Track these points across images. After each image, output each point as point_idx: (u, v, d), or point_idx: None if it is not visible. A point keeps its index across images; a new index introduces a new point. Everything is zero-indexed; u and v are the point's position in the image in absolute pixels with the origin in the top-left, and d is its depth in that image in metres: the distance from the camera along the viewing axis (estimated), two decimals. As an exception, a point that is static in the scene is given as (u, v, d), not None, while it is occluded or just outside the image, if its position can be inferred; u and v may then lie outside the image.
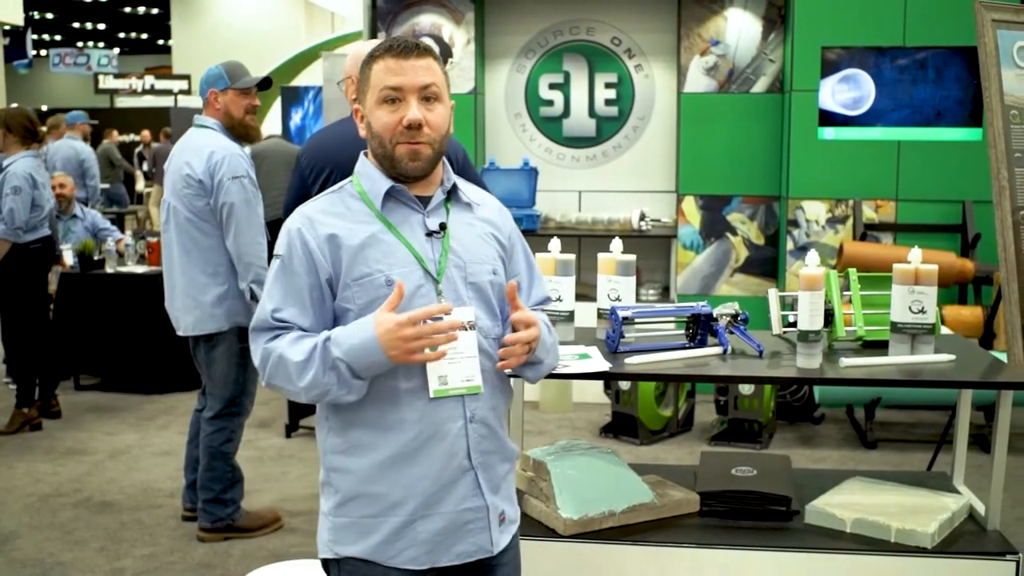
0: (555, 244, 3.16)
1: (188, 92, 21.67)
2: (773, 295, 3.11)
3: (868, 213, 6.51)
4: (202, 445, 4.40)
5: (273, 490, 5.13)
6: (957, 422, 3.24)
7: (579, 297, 3.21)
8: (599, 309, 3.11)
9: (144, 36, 32.87)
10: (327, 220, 2.10)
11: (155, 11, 27.74)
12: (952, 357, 2.91)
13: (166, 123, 17.34)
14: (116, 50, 27.61)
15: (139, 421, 6.42)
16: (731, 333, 3.05)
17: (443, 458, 2.08)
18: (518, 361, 2.11)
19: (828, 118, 6.48)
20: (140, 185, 17.37)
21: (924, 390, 5.65)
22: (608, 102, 7.24)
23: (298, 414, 6.05)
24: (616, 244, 3.16)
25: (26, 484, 5.23)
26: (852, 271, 3.12)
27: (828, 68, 6.44)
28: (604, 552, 2.84)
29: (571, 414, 6.48)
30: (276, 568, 3.23)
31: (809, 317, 2.80)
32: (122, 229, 10.27)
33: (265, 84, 4.41)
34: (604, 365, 2.78)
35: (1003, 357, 3.51)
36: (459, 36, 7.05)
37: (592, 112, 7.27)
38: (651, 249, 7.17)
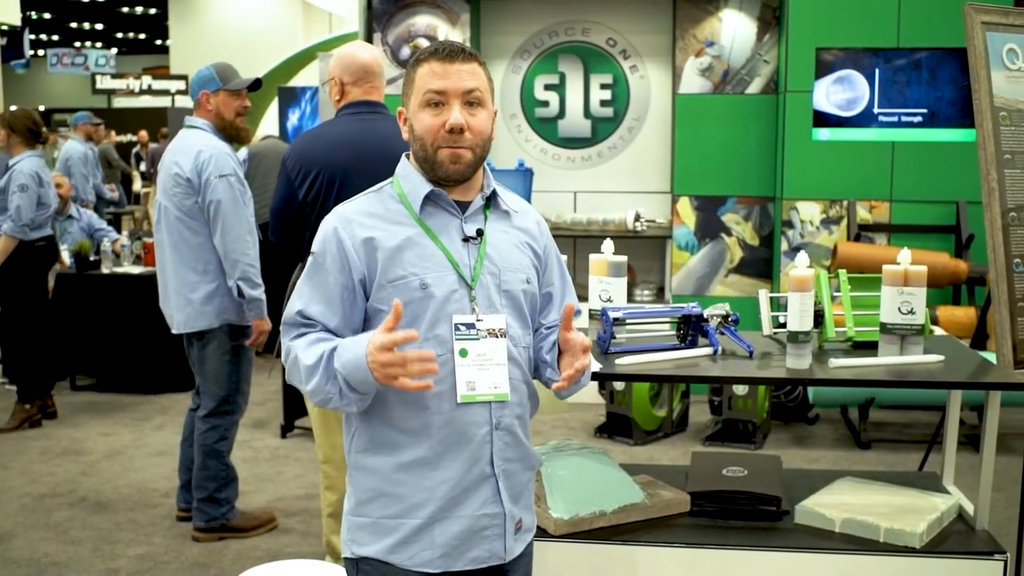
0: (608, 246, 3.17)
1: (186, 92, 21.65)
2: (763, 296, 3.12)
3: (862, 214, 6.52)
4: (196, 444, 4.41)
5: (268, 490, 5.14)
6: (947, 423, 3.25)
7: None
8: (591, 310, 3.13)
9: (142, 36, 32.87)
10: (364, 221, 2.11)
11: (153, 11, 27.73)
12: (941, 358, 2.93)
13: (163, 123, 17.33)
14: (114, 50, 27.62)
15: (135, 421, 6.43)
16: (721, 334, 3.06)
17: (466, 463, 2.09)
18: (571, 386, 2.12)
19: (822, 119, 6.50)
20: (137, 185, 17.37)
21: (918, 391, 5.67)
22: (603, 103, 7.25)
23: (293, 415, 6.06)
24: (607, 245, 3.18)
25: (21, 484, 5.24)
26: (842, 272, 3.13)
27: (822, 69, 6.46)
28: (594, 552, 2.86)
29: (566, 414, 6.49)
30: (270, 568, 3.23)
31: (799, 318, 2.81)
32: (119, 229, 10.28)
33: (255, 86, 4.43)
34: (595, 366, 2.79)
35: (994, 358, 3.53)
36: (454, 37, 7.06)
37: (587, 113, 7.29)
38: (646, 250, 7.19)
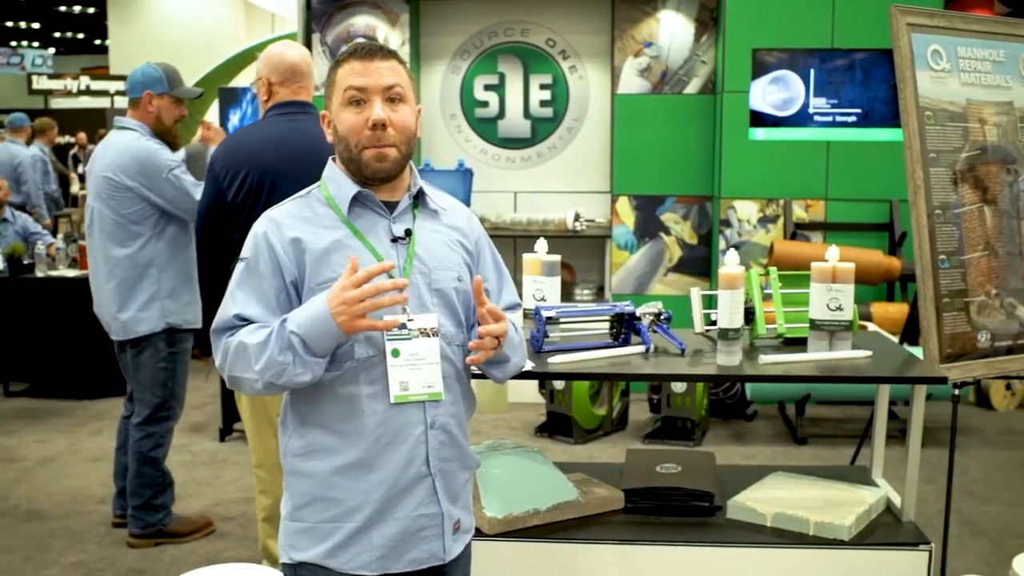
0: (542, 245, 3.18)
1: (125, 93, 21.33)
2: (695, 294, 3.15)
3: (798, 212, 6.60)
4: (131, 451, 4.36)
5: (206, 495, 5.09)
6: (875, 417, 3.30)
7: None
8: (524, 309, 3.13)
9: (80, 36, 32.35)
10: (293, 224, 2.10)
11: (91, 10, 27.29)
12: (869, 353, 2.97)
13: (102, 125, 17.07)
14: (51, 50, 27.14)
15: (69, 427, 6.34)
16: (654, 332, 3.08)
17: (402, 464, 2.09)
18: (487, 355, 2.11)
19: (759, 119, 6.57)
20: (75, 187, 17.10)
21: (852, 386, 5.75)
22: (543, 103, 7.27)
23: (232, 418, 6.01)
24: (541, 244, 3.19)
25: (-48, 492, 5.15)
26: (772, 270, 3.17)
27: (759, 70, 6.53)
28: (529, 550, 2.86)
29: (507, 414, 6.50)
30: (206, 572, 3.20)
31: (729, 315, 2.84)
32: (55, 232, 10.12)
33: (199, 98, 4.39)
34: (528, 364, 2.80)
35: (921, 353, 3.59)
36: (394, 37, 7.05)
37: (527, 113, 7.31)
38: (586, 249, 7.22)
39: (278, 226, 2.10)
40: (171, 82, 4.29)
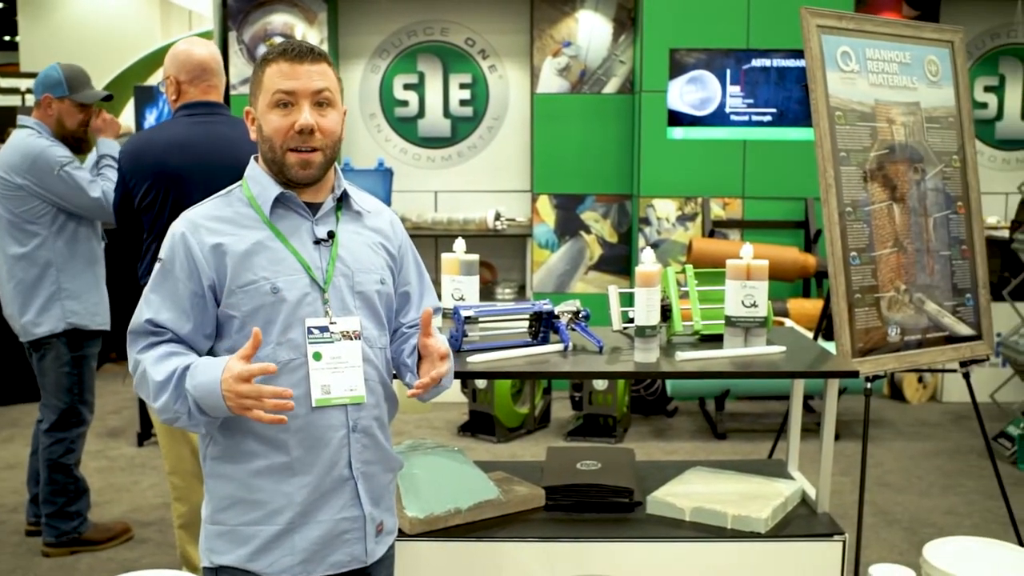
0: (460, 244, 3.18)
1: (34, 93, 20.84)
2: (613, 292, 3.18)
3: (716, 210, 6.70)
4: (41, 458, 4.26)
5: (124, 500, 5.00)
6: (790, 411, 3.36)
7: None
8: (443, 309, 3.13)
9: (-12, 33, 31.52)
10: (213, 226, 2.07)
11: (0, 5, 26.60)
12: (783, 348, 3.02)
13: (12, 124, 16.64)
14: (-42, 47, 26.41)
15: (-19, 434, 6.18)
16: (572, 330, 3.10)
17: (324, 467, 2.08)
18: (429, 392, 2.12)
19: (677, 118, 6.65)
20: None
21: (771, 381, 5.86)
22: (463, 102, 7.28)
23: (150, 422, 5.90)
24: (459, 244, 3.19)
25: None
26: (688, 268, 3.21)
27: (676, 69, 6.61)
28: (451, 549, 2.86)
29: (429, 414, 6.49)
30: (124, 580, 3.16)
31: (645, 313, 2.87)
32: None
33: (106, 100, 4.26)
34: (447, 366, 2.80)
35: (834, 348, 3.67)
36: (312, 36, 6.99)
37: (447, 112, 7.30)
38: (507, 248, 7.25)
39: (196, 228, 2.07)
40: (72, 85, 4.16)
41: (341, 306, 2.10)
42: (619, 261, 7.02)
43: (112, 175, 4.07)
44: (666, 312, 3.11)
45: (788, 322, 5.91)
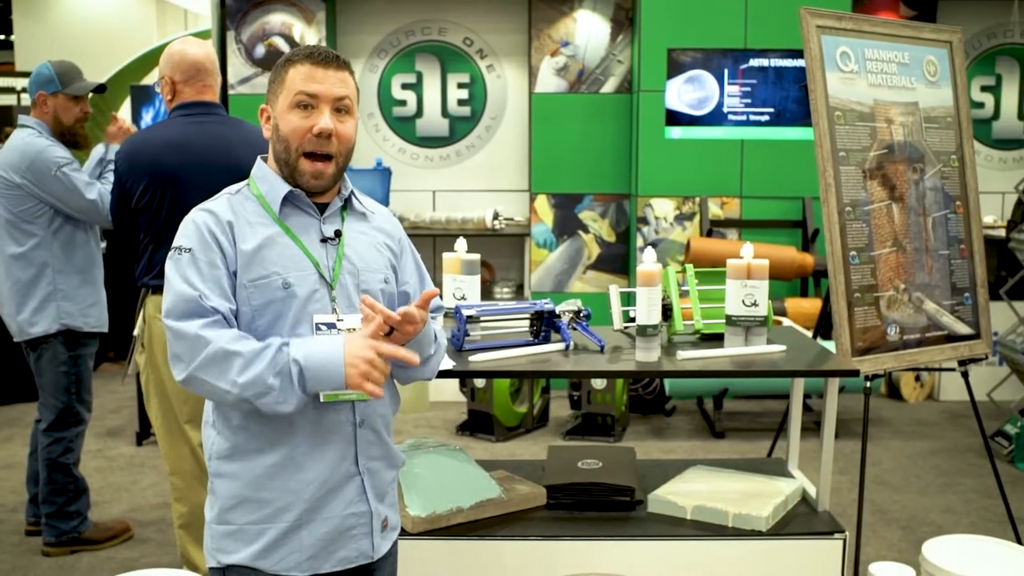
0: (461, 244, 3.19)
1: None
2: (614, 291, 3.19)
3: (714, 210, 6.71)
4: (40, 458, 4.26)
5: (123, 500, 5.00)
6: (790, 410, 3.37)
7: (436, 297, 3.24)
8: (445, 308, 3.14)
9: (-17, 32, 31.47)
10: (228, 217, 2.08)
11: (-5, 6, 26.56)
12: (783, 347, 3.04)
13: (8, 123, 16.62)
14: (-47, 46, 26.38)
15: (-21, 433, 6.18)
16: (574, 329, 3.11)
17: (332, 462, 2.09)
18: (404, 333, 2.04)
19: (675, 118, 6.66)
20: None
21: (769, 380, 5.88)
22: (461, 102, 7.29)
23: (149, 422, 5.89)
24: (460, 243, 3.20)
25: None
26: (689, 267, 3.22)
27: (674, 69, 6.62)
28: (453, 548, 2.87)
29: (428, 413, 6.50)
30: (124, 579, 3.16)
31: (647, 312, 2.88)
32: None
33: (99, 90, 4.27)
34: (448, 363, 2.81)
35: (834, 347, 3.68)
36: (310, 36, 6.99)
37: (445, 112, 7.31)
38: (505, 248, 7.26)
39: (216, 218, 2.07)
40: (64, 80, 4.17)
41: (347, 303, 2.11)
42: (617, 260, 7.04)
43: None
44: (667, 311, 3.12)
45: (786, 321, 5.92)
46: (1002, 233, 6.73)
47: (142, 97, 11.03)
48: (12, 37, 22.40)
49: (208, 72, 3.49)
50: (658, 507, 3.04)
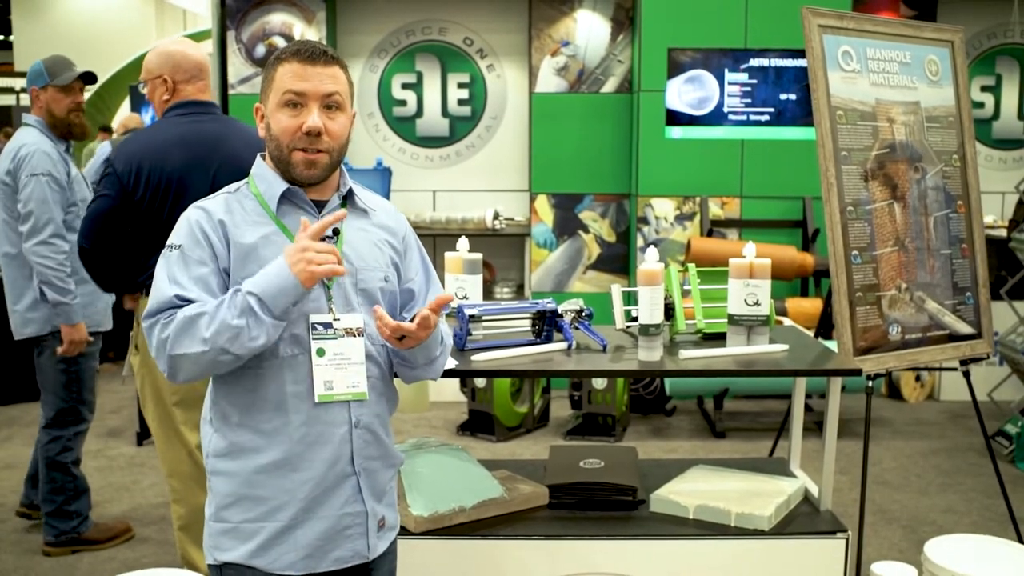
0: (463, 243, 3.18)
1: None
2: (616, 291, 3.19)
3: (714, 210, 6.71)
4: (39, 456, 4.26)
5: (124, 500, 5.00)
6: (792, 410, 3.37)
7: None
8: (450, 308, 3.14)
9: (-17, 32, 31.46)
10: (224, 216, 2.08)
11: (-6, 6, 26.54)
12: (786, 347, 3.03)
13: (8, 123, 16.64)
14: (-48, 46, 26.36)
15: (-21, 433, 6.17)
16: (576, 329, 3.11)
17: (327, 463, 2.08)
18: (416, 339, 2.07)
19: (675, 118, 6.66)
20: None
21: (769, 380, 5.88)
22: (461, 102, 7.29)
23: (149, 421, 5.90)
24: (462, 243, 3.20)
25: None
26: (691, 266, 3.22)
27: (674, 69, 6.62)
28: (455, 547, 2.87)
29: (428, 413, 6.50)
30: (126, 579, 3.16)
31: (649, 311, 2.88)
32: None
33: (88, 79, 4.28)
34: (451, 363, 2.81)
35: (836, 346, 3.68)
36: (310, 35, 6.99)
37: (445, 112, 7.31)
38: (505, 247, 7.26)
39: (209, 216, 2.08)
40: (52, 73, 4.20)
41: (345, 303, 2.11)
42: (617, 260, 7.03)
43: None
44: (669, 311, 3.12)
45: (786, 321, 5.92)
46: (1002, 233, 6.73)
47: (141, 98, 11.01)
48: (11, 37, 22.39)
49: (207, 72, 3.52)
50: (660, 507, 3.04)
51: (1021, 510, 4.58)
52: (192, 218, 2.09)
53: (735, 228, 6.74)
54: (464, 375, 4.55)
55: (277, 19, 6.99)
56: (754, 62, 6.63)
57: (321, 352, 2.06)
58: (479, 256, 3.19)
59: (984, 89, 7.71)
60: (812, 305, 6.34)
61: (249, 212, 2.10)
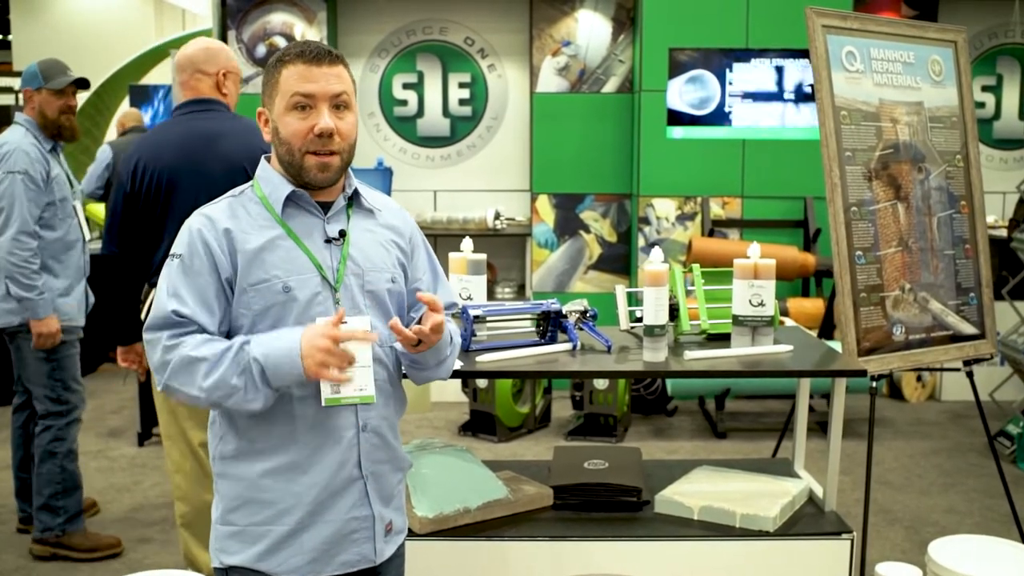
0: (467, 244, 3.18)
1: (28, 92, 20.77)
2: (620, 291, 3.18)
3: (715, 210, 6.70)
4: (34, 446, 4.26)
5: (125, 500, 5.00)
6: (796, 410, 3.37)
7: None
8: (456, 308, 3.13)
9: (-19, 32, 31.42)
10: (227, 223, 2.06)
11: (-7, 6, 26.51)
12: (790, 348, 3.03)
13: (7, 122, 16.64)
14: (-49, 46, 26.34)
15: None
16: (580, 329, 3.11)
17: (334, 466, 2.07)
18: (429, 343, 2.08)
19: (676, 118, 6.65)
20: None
21: (770, 380, 5.87)
22: (462, 102, 7.28)
23: (150, 422, 5.89)
24: (466, 243, 3.20)
25: None
26: (696, 267, 3.21)
27: (675, 69, 6.61)
28: (460, 549, 2.87)
29: (430, 414, 6.49)
30: (130, 580, 3.16)
31: (654, 312, 2.87)
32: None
33: (81, 84, 4.29)
34: (456, 364, 2.80)
35: (839, 346, 3.68)
36: (311, 35, 6.99)
37: (446, 112, 7.31)
38: (506, 248, 7.25)
39: (213, 224, 2.06)
40: (46, 75, 4.22)
41: (352, 305, 2.09)
42: (618, 260, 7.03)
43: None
44: (673, 311, 3.11)
45: (788, 321, 5.92)
46: (1004, 233, 6.72)
47: (140, 97, 11.01)
48: (10, 37, 22.35)
49: (194, 65, 3.50)
50: (665, 507, 3.04)
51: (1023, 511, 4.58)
52: (194, 227, 2.07)
53: (736, 228, 6.73)
54: (470, 376, 4.54)
55: (278, 19, 6.99)
56: (755, 62, 6.62)
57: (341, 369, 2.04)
58: (483, 257, 3.18)
59: (985, 89, 7.71)
60: (813, 305, 6.34)
61: (254, 216, 2.09)
